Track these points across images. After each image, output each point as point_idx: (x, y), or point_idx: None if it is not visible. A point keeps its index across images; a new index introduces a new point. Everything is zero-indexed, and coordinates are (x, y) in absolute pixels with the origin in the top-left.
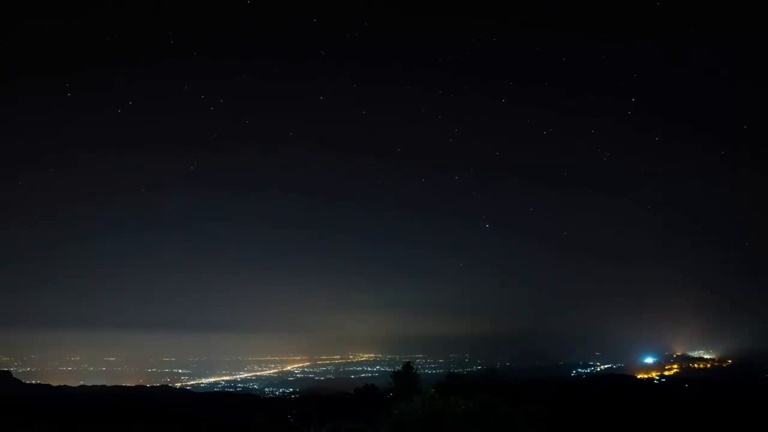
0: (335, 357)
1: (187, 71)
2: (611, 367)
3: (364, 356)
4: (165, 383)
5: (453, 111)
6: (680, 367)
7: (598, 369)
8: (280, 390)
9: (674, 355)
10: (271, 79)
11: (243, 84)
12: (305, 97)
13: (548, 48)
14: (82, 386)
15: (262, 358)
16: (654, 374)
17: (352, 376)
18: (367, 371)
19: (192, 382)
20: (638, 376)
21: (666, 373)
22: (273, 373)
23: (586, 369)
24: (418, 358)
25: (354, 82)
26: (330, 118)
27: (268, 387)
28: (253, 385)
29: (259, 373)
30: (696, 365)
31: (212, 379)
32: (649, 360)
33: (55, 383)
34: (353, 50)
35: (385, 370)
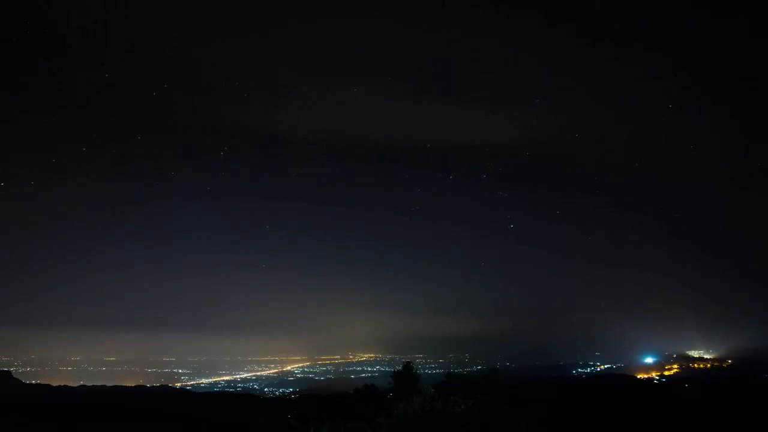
0: (335, 357)
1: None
2: (611, 367)
3: (364, 356)
4: (164, 383)
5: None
6: (680, 367)
7: (598, 369)
8: (280, 390)
9: (674, 355)
10: (296, 75)
11: (263, 83)
12: (335, 94)
13: (581, 51)
14: (82, 386)
15: (262, 358)
16: (654, 374)
17: (352, 376)
18: (367, 371)
19: (192, 382)
20: (638, 376)
21: (666, 373)
22: (273, 373)
23: (586, 369)
24: (418, 358)
25: (387, 75)
26: (358, 114)
27: (268, 387)
28: (253, 385)
29: (259, 373)
30: (696, 365)
31: (212, 379)
32: (649, 360)
33: (55, 383)
34: (386, 50)
35: (385, 370)
